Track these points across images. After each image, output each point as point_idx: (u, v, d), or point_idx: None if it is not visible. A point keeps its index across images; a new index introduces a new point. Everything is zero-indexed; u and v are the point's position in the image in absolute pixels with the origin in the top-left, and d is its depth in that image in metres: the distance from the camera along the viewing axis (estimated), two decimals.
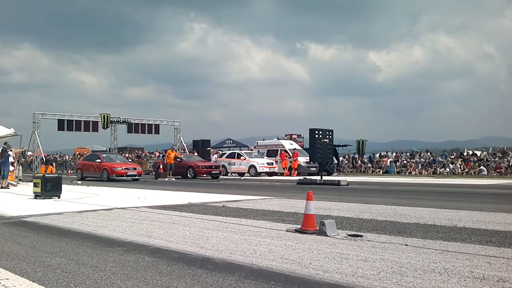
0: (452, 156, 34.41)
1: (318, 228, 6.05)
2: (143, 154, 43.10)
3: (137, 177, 24.54)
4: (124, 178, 23.86)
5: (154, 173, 30.27)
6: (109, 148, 36.81)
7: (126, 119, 33.42)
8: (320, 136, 19.82)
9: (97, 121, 32.41)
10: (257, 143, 35.77)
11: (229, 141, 45.70)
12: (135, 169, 25.11)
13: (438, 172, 31.77)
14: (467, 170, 30.82)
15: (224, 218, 7.84)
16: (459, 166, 31.73)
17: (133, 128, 33.79)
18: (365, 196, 13.24)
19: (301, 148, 33.07)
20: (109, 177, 23.65)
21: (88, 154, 33.75)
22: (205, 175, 26.63)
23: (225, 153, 32.92)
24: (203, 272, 4.14)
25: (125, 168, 24.48)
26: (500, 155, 31.97)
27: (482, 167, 30.36)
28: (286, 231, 6.36)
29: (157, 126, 34.91)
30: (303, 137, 39.06)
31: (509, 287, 3.52)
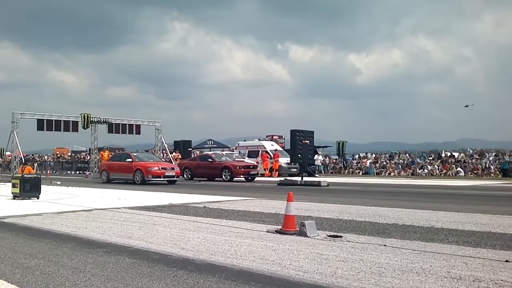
0: (430, 158, 34.93)
1: (298, 229, 6.10)
2: None
3: (175, 179, 21.64)
4: (161, 180, 21.05)
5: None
6: (89, 149, 36.45)
7: (106, 119, 33.11)
8: (301, 137, 19.93)
9: (77, 121, 32.04)
10: (238, 144, 35.81)
11: (210, 142, 45.65)
12: (173, 169, 22.10)
13: (416, 173, 32.20)
14: (444, 171, 31.31)
15: (205, 219, 7.84)
16: (437, 167, 32.22)
17: (113, 128, 33.49)
18: (345, 197, 13.37)
19: (282, 149, 33.19)
20: (144, 179, 20.77)
21: (116, 153, 30.51)
22: (242, 176, 23.88)
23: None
24: (184, 273, 4.14)
25: (162, 168, 21.42)
26: (477, 157, 32.58)
27: (459, 168, 30.90)
28: (267, 232, 6.39)
29: (138, 126, 34.67)
30: (284, 138, 39.26)
31: (485, 286, 3.61)
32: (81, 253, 5.08)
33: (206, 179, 24.71)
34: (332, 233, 6.17)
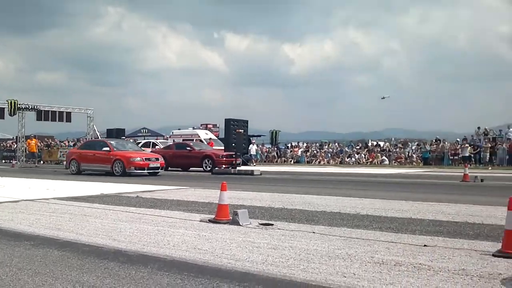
0: (358, 147, 36.37)
1: (231, 218, 6.20)
2: (53, 143, 41.06)
3: (159, 171, 19.65)
4: (145, 172, 18.95)
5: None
6: (16, 137, 34.64)
7: (35, 106, 31.53)
8: (236, 126, 20.09)
9: (3, 108, 30.25)
10: (172, 132, 35.43)
11: (144, 130, 44.78)
12: (157, 159, 19.73)
13: (344, 162, 33.43)
14: (371, 160, 32.73)
15: (137, 209, 7.75)
16: (363, 156, 33.62)
17: (42, 115, 31.97)
18: (277, 185, 13.67)
19: (216, 138, 33.23)
20: (125, 171, 18.52)
21: (87, 140, 27.49)
22: (224, 166, 22.09)
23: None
24: (115, 265, 4.11)
25: (146, 159, 19.22)
26: (401, 146, 34.34)
27: (384, 157, 32.43)
28: (200, 221, 6.44)
29: (68, 113, 33.31)
30: (218, 127, 39.30)
31: (404, 270, 3.87)
32: (7, 246, 4.89)
33: (180, 169, 23.45)
34: (264, 222, 6.33)
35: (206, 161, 22.62)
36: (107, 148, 19.50)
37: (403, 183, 15.19)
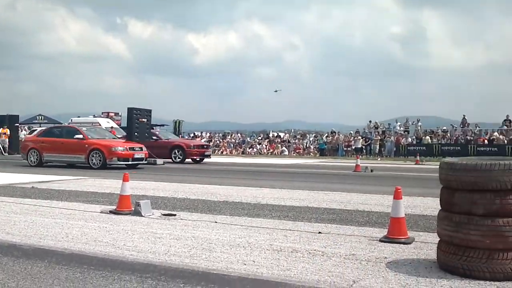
0: (260, 137, 37.28)
1: (133, 208, 6.15)
2: None
3: (143, 162, 17.10)
4: (129, 163, 16.33)
5: None
6: None
7: None
8: (139, 115, 19.70)
9: None
10: (71, 120, 33.67)
11: (40, 117, 41.96)
12: (141, 149, 17.14)
13: (247, 152, 34.10)
14: (271, 150, 33.74)
15: (33, 201, 7.38)
16: (265, 146, 34.57)
17: None
18: (180, 175, 13.65)
19: (118, 127, 32.12)
20: (106, 162, 15.87)
21: (51, 126, 22.84)
22: (197, 157, 20.82)
23: None
24: (9, 260, 3.94)
25: (130, 149, 16.59)
26: (300, 137, 35.79)
27: (284, 147, 33.58)
28: (101, 212, 6.32)
29: None
30: (121, 116, 38.04)
31: (300, 256, 4.13)
32: None
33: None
34: (166, 212, 6.35)
35: (176, 151, 20.78)
36: (80, 136, 16.66)
37: (301, 173, 15.89)
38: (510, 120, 29.04)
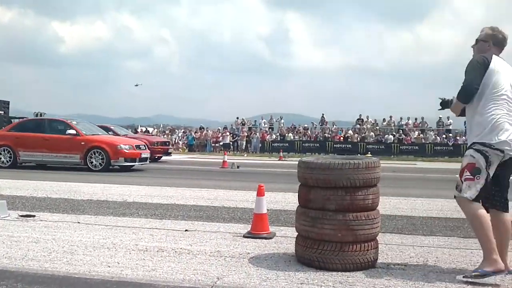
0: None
1: None
2: None
3: (147, 163, 15.16)
4: (136, 164, 14.31)
5: None
6: None
7: None
8: None
9: None
10: None
11: None
12: (145, 147, 15.06)
13: None
14: None
15: None
16: None
17: None
18: (40, 172, 12.79)
19: None
20: (109, 163, 13.61)
21: (25, 119, 17.98)
22: (158, 156, 18.89)
23: None
24: None
25: (136, 147, 14.37)
26: (169, 133, 35.50)
27: None
28: None
29: None
30: None
31: (166, 255, 4.16)
32: None
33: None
34: (24, 213, 5.96)
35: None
36: (72, 131, 13.97)
37: (168, 169, 15.80)
38: (362, 119, 32.07)
